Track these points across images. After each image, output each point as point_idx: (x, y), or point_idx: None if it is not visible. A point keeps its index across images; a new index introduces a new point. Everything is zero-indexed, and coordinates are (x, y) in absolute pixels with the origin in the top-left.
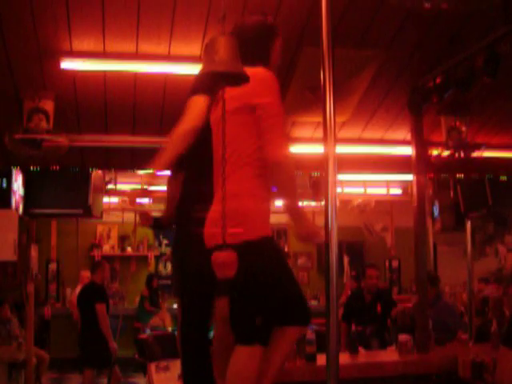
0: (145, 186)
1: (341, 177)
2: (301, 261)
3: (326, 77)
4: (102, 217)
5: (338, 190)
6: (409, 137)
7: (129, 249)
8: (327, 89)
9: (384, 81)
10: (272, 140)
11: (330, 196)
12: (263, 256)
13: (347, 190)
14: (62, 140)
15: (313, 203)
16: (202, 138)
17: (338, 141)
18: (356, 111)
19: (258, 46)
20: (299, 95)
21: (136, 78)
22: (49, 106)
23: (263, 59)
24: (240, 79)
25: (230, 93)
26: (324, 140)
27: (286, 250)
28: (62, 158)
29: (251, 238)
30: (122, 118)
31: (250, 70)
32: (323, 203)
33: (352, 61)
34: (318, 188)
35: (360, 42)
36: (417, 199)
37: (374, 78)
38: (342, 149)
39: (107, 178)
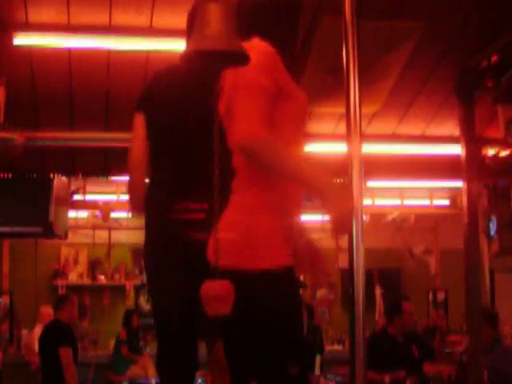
0: (122, 197)
1: (370, 184)
2: (321, 292)
3: (349, 54)
4: (66, 236)
5: (367, 201)
6: (457, 132)
7: (101, 277)
8: (351, 70)
9: (425, 60)
10: (239, 118)
11: (354, 209)
12: (272, 291)
13: (379, 201)
14: (16, 138)
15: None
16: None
17: (366, 137)
18: (389, 99)
19: (265, 14)
20: (317, 79)
21: (109, 57)
22: None
23: (271, 33)
24: (238, 60)
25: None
26: (347, 136)
27: (300, 278)
28: (16, 161)
29: (262, 267)
30: (92, 109)
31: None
32: None
33: (384, 35)
34: None
35: (394, 10)
36: (468, 213)
37: (413, 57)
38: (372, 147)
39: (73, 187)
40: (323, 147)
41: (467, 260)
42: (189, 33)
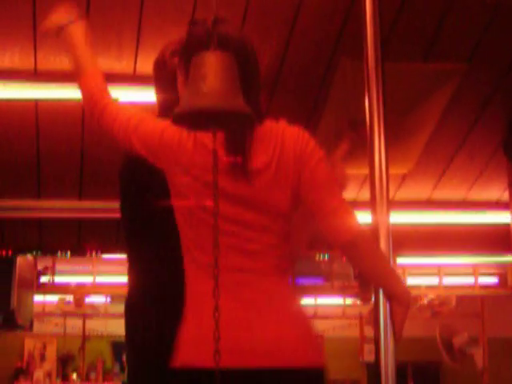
0: (99, 278)
1: (401, 261)
2: None
3: (372, 105)
4: (31, 327)
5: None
6: (506, 196)
7: (74, 376)
8: (375, 123)
9: (466, 111)
10: (339, 211)
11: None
12: None
13: (412, 280)
14: None
15: (358, 302)
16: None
17: (394, 205)
18: (423, 158)
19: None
20: (334, 133)
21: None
22: None
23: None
24: (245, 122)
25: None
26: (372, 204)
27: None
28: None
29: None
30: (63, 174)
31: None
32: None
33: (415, 80)
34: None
35: (427, 50)
36: None
37: (451, 107)
38: (402, 217)
39: (40, 267)
40: None
41: None
42: (159, 86)
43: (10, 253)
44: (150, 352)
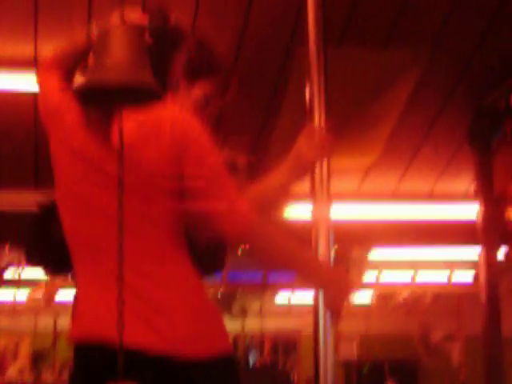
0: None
1: (374, 255)
2: None
3: (313, 91)
4: None
5: (371, 276)
6: (472, 189)
7: (47, 374)
8: (316, 110)
9: (431, 100)
10: (221, 198)
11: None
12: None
13: (386, 277)
14: None
15: None
16: None
17: (363, 196)
18: (388, 149)
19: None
20: (291, 124)
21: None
22: None
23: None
24: (150, 97)
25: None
26: (311, 195)
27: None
28: None
29: (216, 353)
30: (19, 163)
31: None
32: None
33: (377, 68)
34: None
35: (387, 36)
36: (486, 289)
37: (415, 94)
38: (371, 210)
39: (5, 261)
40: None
41: (487, 347)
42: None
43: None
44: None
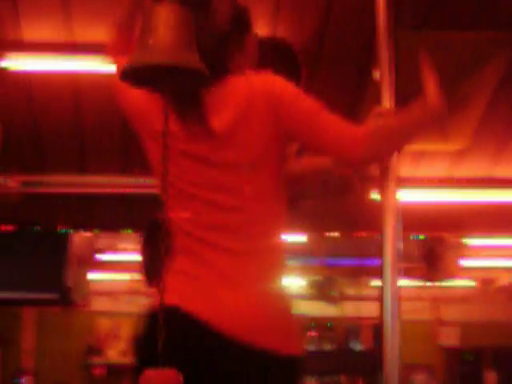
0: None
1: (472, 241)
2: (420, 379)
3: (384, 70)
4: (86, 304)
5: (472, 263)
6: None
7: None
8: (386, 94)
9: None
10: (337, 132)
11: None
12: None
13: (482, 262)
14: (12, 183)
15: (428, 283)
16: None
17: (452, 182)
18: (478, 133)
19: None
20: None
21: None
22: None
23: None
24: (197, 79)
25: None
26: (380, 180)
27: None
28: (18, 212)
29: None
30: (107, 147)
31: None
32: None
33: (465, 50)
34: (435, 258)
35: (475, 19)
36: None
37: (506, 78)
38: (464, 195)
39: (101, 245)
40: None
41: None
42: None
43: (55, 229)
44: None
